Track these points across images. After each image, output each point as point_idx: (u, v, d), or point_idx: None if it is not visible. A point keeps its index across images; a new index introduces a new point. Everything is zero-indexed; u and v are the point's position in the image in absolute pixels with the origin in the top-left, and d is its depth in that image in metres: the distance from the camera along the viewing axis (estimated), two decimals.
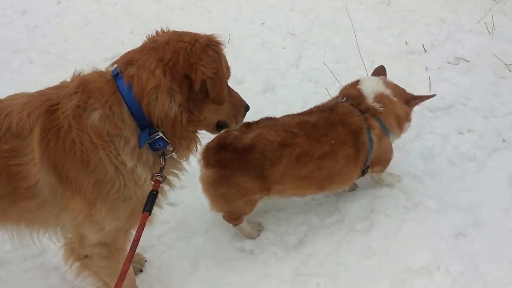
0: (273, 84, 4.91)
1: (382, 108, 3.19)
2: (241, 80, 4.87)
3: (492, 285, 2.96)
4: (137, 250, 3.05)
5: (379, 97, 3.23)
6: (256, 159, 2.88)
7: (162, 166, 2.23)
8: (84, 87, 2.13)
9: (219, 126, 2.44)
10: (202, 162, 2.99)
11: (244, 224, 3.23)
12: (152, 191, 2.20)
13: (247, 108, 2.54)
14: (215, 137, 2.91)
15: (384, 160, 3.38)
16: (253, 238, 3.31)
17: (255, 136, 2.90)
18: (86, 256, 2.40)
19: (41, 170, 2.10)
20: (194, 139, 2.32)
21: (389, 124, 3.25)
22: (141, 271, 3.05)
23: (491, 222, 3.36)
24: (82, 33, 5.81)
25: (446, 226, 3.34)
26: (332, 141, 3.01)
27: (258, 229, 3.36)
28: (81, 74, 2.23)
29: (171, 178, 2.44)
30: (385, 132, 3.24)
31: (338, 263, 3.12)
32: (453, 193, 3.61)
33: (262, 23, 6.12)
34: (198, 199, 3.54)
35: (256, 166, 2.89)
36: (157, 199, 2.26)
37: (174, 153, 2.31)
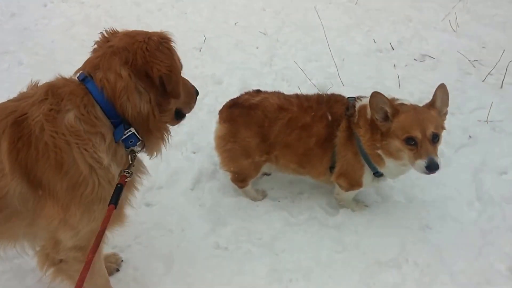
0: (249, 84, 4.96)
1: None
2: (219, 81, 4.95)
3: (457, 276, 3.08)
4: (114, 250, 3.14)
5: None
6: (258, 116, 3.30)
7: (130, 163, 2.31)
8: (53, 92, 2.16)
9: (177, 115, 2.55)
10: (218, 118, 3.50)
11: (249, 188, 3.65)
12: (117, 184, 2.24)
13: (197, 93, 2.68)
14: (230, 99, 3.52)
15: (349, 176, 3.33)
16: (258, 200, 3.68)
17: (261, 99, 3.37)
18: (61, 261, 2.40)
19: (12, 181, 2.08)
20: (166, 129, 2.48)
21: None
22: (118, 270, 3.07)
23: (456, 215, 3.51)
24: (68, 34, 5.89)
25: (413, 219, 3.48)
26: (312, 113, 3.26)
27: (262, 195, 3.73)
28: (39, 83, 2.27)
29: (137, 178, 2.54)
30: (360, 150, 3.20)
31: (311, 258, 3.21)
32: (420, 188, 3.74)
33: (235, 23, 6.18)
34: (175, 199, 3.63)
35: (258, 123, 3.31)
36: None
37: (144, 150, 2.44)
